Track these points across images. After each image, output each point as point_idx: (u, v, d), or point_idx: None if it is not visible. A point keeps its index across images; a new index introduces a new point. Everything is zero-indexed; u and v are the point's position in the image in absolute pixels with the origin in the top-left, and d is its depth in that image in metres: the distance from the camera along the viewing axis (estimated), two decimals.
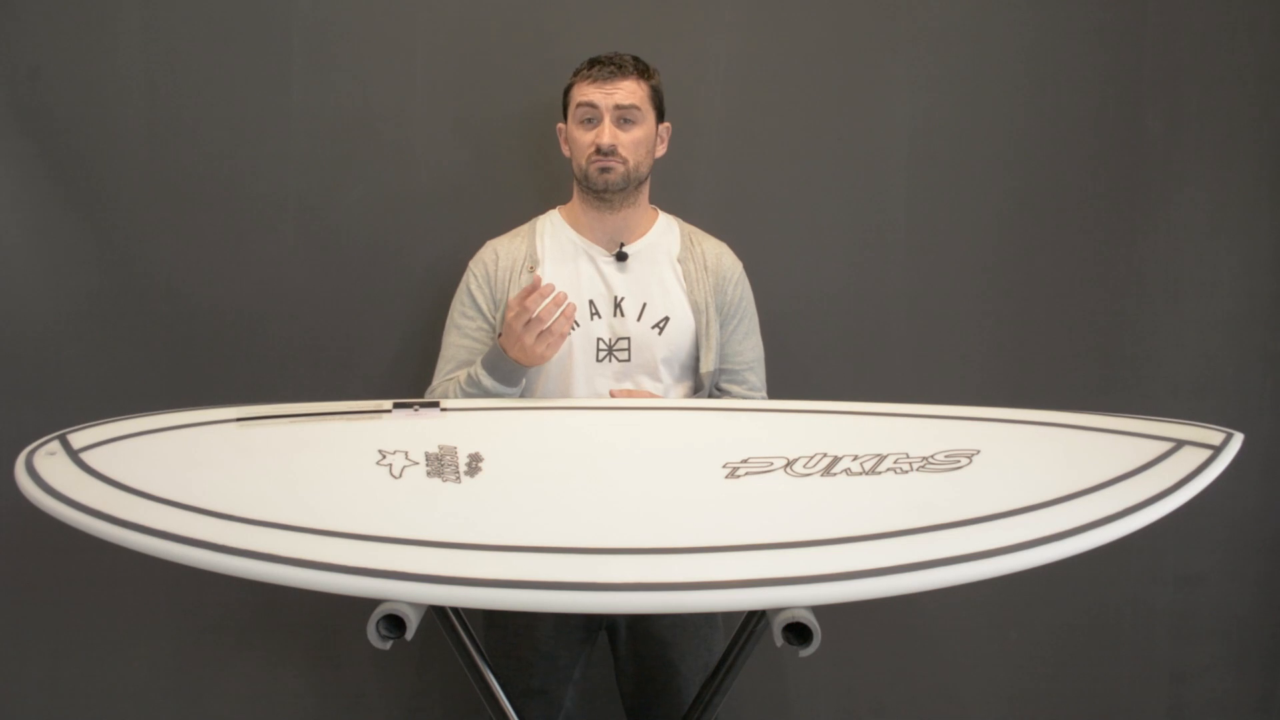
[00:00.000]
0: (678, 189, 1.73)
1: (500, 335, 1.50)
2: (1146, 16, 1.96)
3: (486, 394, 1.51)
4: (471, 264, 1.66)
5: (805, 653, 1.22)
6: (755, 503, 1.26)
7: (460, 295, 1.66)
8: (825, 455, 1.31)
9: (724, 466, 1.31)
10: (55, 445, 1.36)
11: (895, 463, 1.29)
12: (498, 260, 1.64)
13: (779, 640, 1.22)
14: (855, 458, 1.30)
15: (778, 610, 1.25)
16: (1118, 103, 1.97)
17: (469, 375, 1.53)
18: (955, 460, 1.30)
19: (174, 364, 1.91)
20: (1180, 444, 1.35)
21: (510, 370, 1.49)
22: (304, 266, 1.90)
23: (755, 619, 1.37)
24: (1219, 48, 1.97)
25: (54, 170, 1.85)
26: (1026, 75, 1.96)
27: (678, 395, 1.64)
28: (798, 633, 1.23)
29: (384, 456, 1.32)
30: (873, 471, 1.29)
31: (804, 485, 1.28)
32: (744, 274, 1.70)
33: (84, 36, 1.84)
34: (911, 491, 1.25)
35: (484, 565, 1.16)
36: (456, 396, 1.54)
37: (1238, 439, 1.31)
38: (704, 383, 1.64)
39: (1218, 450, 1.33)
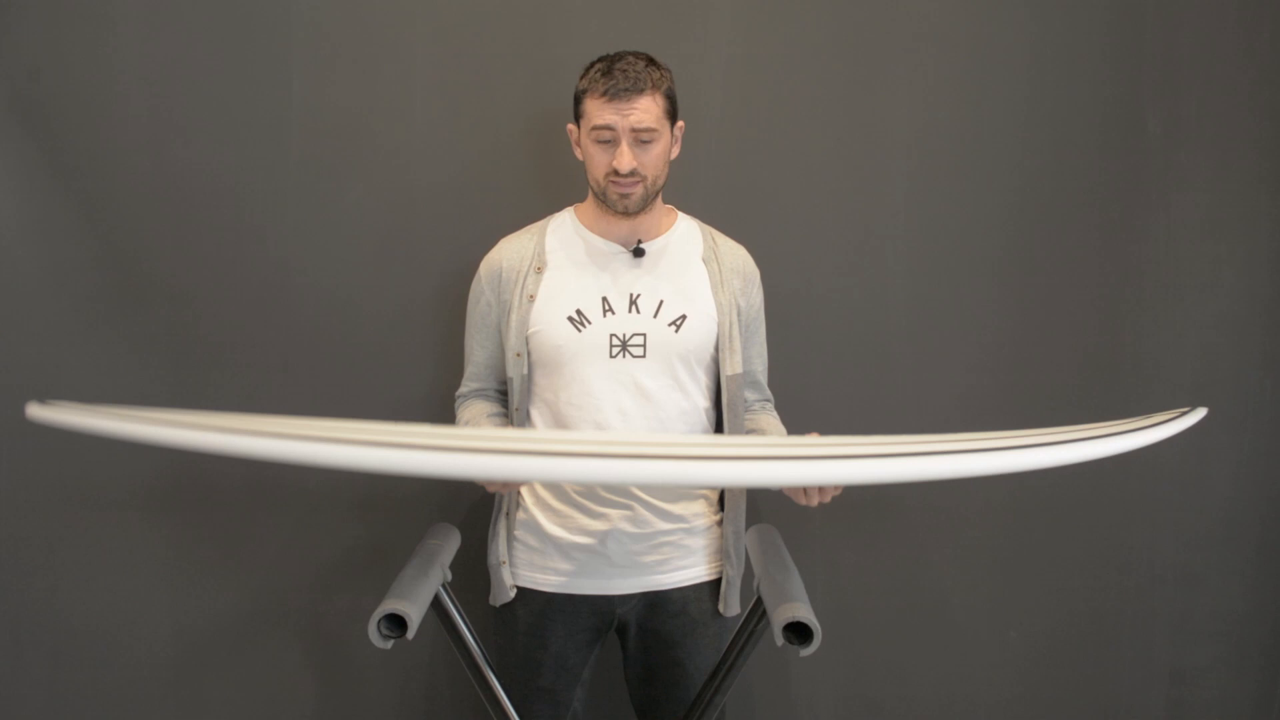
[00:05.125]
0: (678, 188, 1.73)
1: None
2: (1146, 16, 1.96)
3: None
4: (481, 266, 1.67)
5: (806, 652, 1.23)
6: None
7: (472, 298, 1.68)
8: None
9: None
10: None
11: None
12: (502, 264, 1.64)
13: (780, 640, 1.23)
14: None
15: (778, 611, 1.25)
16: (1118, 103, 1.97)
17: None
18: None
19: (175, 364, 1.91)
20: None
21: None
22: (305, 267, 1.90)
23: (756, 619, 1.37)
24: (1219, 48, 1.97)
25: (54, 170, 1.85)
26: (1027, 75, 1.96)
27: (699, 397, 1.63)
28: (798, 632, 1.23)
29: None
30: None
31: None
32: (759, 280, 1.72)
33: (84, 36, 1.83)
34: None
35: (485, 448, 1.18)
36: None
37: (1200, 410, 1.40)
38: (729, 388, 1.63)
39: (1184, 414, 1.37)
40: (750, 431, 1.67)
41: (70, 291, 1.88)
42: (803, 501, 1.45)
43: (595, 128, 1.52)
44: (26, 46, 1.83)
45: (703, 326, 1.60)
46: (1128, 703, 2.10)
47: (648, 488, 1.59)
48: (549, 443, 1.28)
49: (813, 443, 1.35)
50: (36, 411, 1.31)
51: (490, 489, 1.53)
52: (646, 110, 1.51)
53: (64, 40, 1.83)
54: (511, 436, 1.36)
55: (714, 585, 1.68)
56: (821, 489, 1.43)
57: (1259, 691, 2.12)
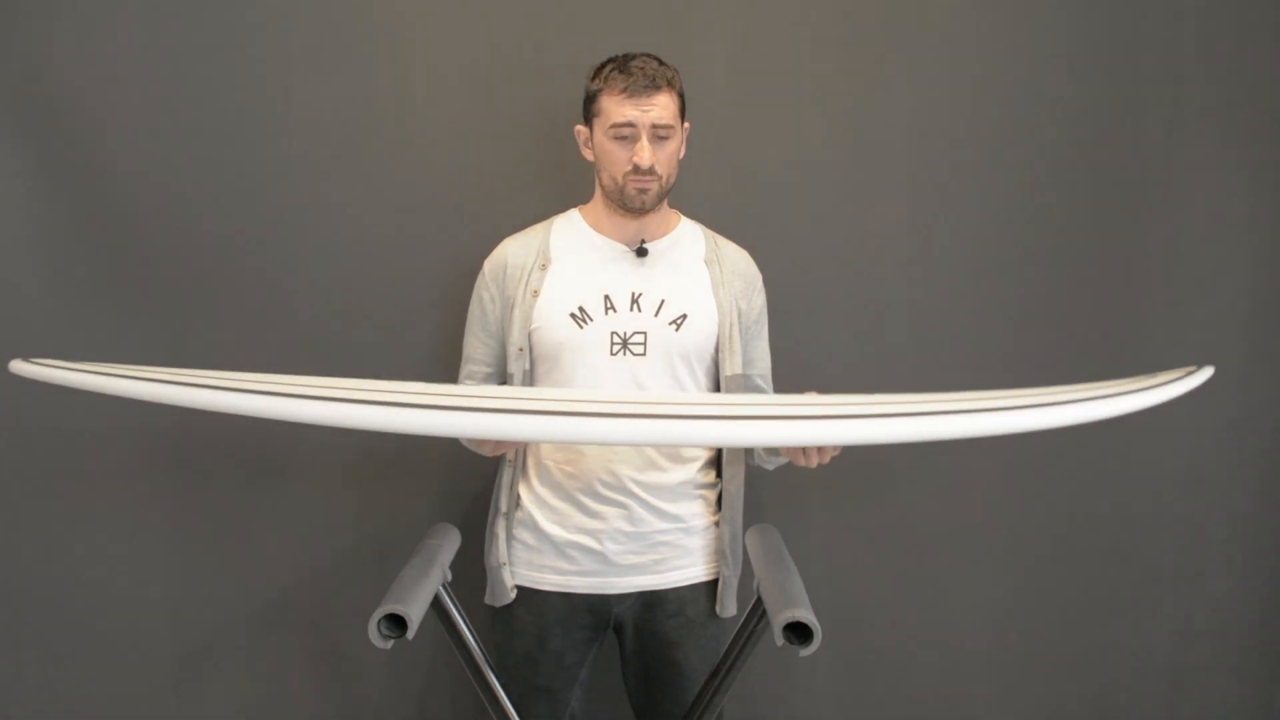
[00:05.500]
0: (679, 189, 1.73)
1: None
2: (1146, 16, 1.96)
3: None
4: (485, 263, 1.68)
5: (806, 652, 1.23)
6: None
7: (475, 295, 1.68)
8: None
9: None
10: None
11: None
12: (507, 261, 1.65)
13: (780, 640, 1.23)
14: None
15: (778, 611, 1.25)
16: (1118, 103, 1.97)
17: None
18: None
19: (174, 365, 1.90)
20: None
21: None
22: (305, 268, 1.90)
23: (756, 619, 1.37)
24: (1219, 48, 1.97)
25: (54, 170, 1.85)
26: (1028, 75, 1.96)
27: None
28: (798, 632, 1.23)
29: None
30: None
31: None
32: (761, 282, 1.72)
33: (84, 36, 1.83)
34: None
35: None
36: None
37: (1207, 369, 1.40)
38: (729, 388, 1.64)
39: (1190, 373, 1.37)
40: None
41: (70, 291, 1.88)
42: (801, 462, 1.47)
43: (615, 124, 1.53)
44: (26, 46, 1.82)
45: (703, 326, 1.61)
46: (1128, 703, 2.10)
47: (646, 486, 1.60)
48: (548, 401, 1.29)
49: (811, 401, 1.36)
50: (20, 368, 1.31)
51: (483, 450, 1.55)
52: (665, 107, 1.53)
53: (64, 40, 1.83)
54: (509, 395, 1.35)
55: (711, 586, 1.68)
56: (821, 449, 1.45)
57: (1259, 691, 2.12)
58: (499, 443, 1.52)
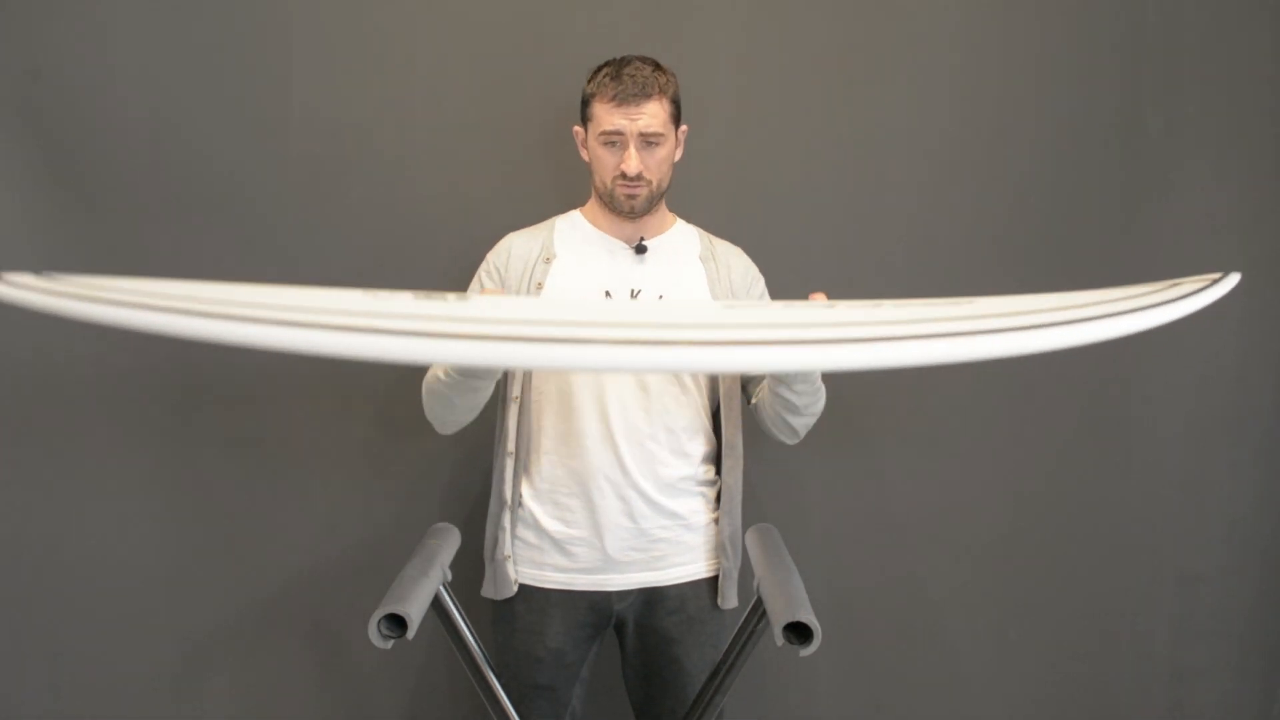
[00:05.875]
0: (680, 190, 1.73)
1: None
2: (1146, 16, 1.96)
3: (469, 377, 1.48)
4: (489, 255, 1.69)
5: (806, 652, 1.23)
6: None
7: (476, 280, 1.68)
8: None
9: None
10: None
11: None
12: (510, 254, 1.66)
13: (779, 640, 1.23)
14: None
15: (778, 611, 1.25)
16: (1118, 103, 1.97)
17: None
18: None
19: (174, 365, 1.91)
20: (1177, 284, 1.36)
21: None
22: (305, 269, 1.90)
23: (756, 619, 1.37)
24: (1219, 48, 1.97)
25: (54, 170, 1.85)
26: (1028, 76, 1.96)
27: (696, 393, 1.66)
28: (798, 632, 1.23)
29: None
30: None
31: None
32: (758, 271, 1.74)
33: (84, 36, 1.83)
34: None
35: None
36: (435, 383, 1.54)
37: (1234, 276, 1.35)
38: (725, 381, 1.66)
39: (1216, 282, 1.35)
40: (756, 405, 1.68)
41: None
42: None
43: (604, 131, 1.56)
44: (26, 46, 1.82)
45: None
46: (1128, 703, 2.10)
47: (647, 482, 1.61)
48: (537, 325, 1.22)
49: (822, 316, 1.28)
50: None
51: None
52: (654, 115, 1.55)
53: (64, 40, 1.83)
54: (503, 317, 1.30)
55: (712, 583, 1.69)
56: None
57: (1259, 691, 2.12)
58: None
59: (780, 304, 1.62)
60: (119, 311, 1.19)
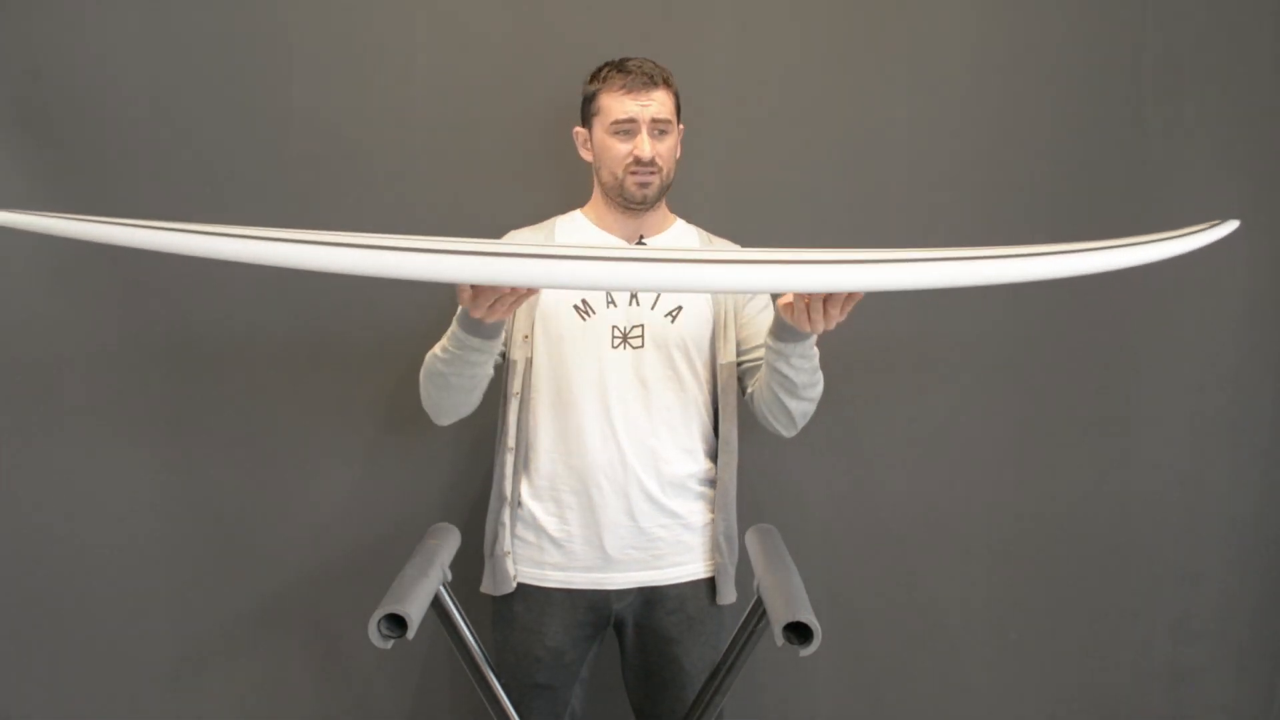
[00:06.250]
0: (679, 190, 1.73)
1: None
2: (1146, 16, 1.96)
3: (465, 349, 1.48)
4: None
5: (806, 652, 1.23)
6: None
7: None
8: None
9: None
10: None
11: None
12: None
13: (779, 640, 1.23)
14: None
15: (778, 611, 1.25)
16: (1118, 103, 1.97)
17: (450, 332, 1.50)
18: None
19: (174, 366, 1.91)
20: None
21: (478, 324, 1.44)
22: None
23: (756, 619, 1.37)
24: (1219, 48, 1.97)
25: (54, 170, 1.85)
26: (1028, 76, 1.96)
27: (696, 390, 1.66)
28: (798, 632, 1.23)
29: None
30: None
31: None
32: None
33: (84, 36, 1.83)
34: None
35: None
36: (434, 362, 1.55)
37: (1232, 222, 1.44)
38: (723, 375, 1.66)
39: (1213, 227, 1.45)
40: (752, 395, 1.67)
41: (70, 293, 1.88)
42: (806, 328, 1.41)
43: (616, 120, 1.57)
44: (26, 46, 1.82)
45: (698, 317, 1.65)
46: (1128, 703, 2.10)
47: (646, 481, 1.61)
48: (527, 247, 1.29)
49: (821, 255, 1.29)
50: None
51: (475, 306, 1.38)
52: (663, 103, 1.58)
53: (64, 40, 1.83)
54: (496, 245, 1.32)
55: (711, 583, 1.69)
56: (828, 305, 1.38)
57: (1259, 691, 2.12)
58: (492, 298, 1.37)
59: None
60: (118, 230, 1.26)
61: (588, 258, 1.26)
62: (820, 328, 1.41)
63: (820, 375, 1.58)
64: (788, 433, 1.65)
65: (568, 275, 1.26)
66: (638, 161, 1.57)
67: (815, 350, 1.53)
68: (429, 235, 1.87)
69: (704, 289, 1.39)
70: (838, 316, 1.40)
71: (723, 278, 1.29)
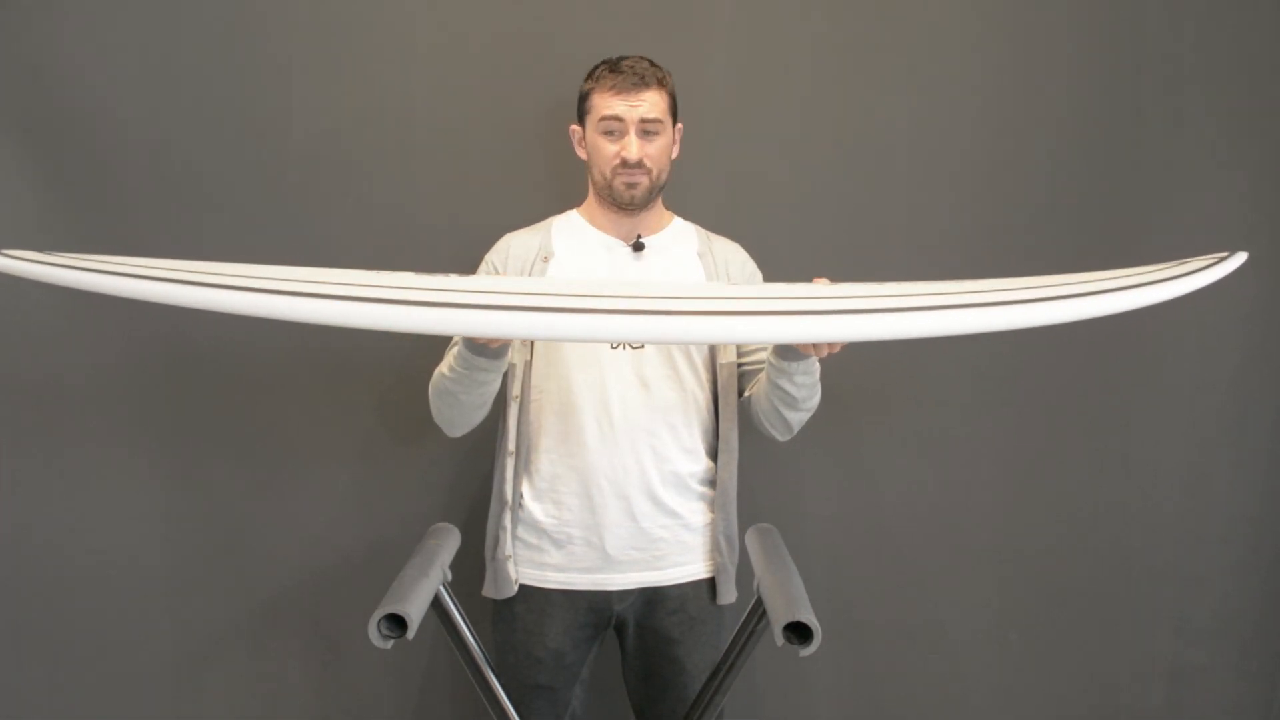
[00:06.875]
0: (679, 189, 1.74)
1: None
2: (1147, 16, 1.96)
3: (473, 369, 1.49)
4: (488, 255, 1.69)
5: (806, 652, 1.23)
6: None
7: (479, 274, 1.68)
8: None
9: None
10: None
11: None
12: (509, 253, 1.66)
13: (780, 640, 1.23)
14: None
15: (778, 611, 1.25)
16: (1118, 103, 1.97)
17: (456, 353, 1.51)
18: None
19: (174, 366, 1.91)
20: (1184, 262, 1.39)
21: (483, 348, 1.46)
22: (302, 267, 1.90)
23: (756, 619, 1.37)
24: (1219, 48, 1.97)
25: (54, 170, 1.85)
26: (1028, 75, 1.96)
27: (696, 389, 1.66)
28: (798, 632, 1.23)
29: None
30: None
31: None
32: (756, 266, 1.74)
33: (84, 36, 1.83)
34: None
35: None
36: (441, 381, 1.55)
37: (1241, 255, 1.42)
38: (722, 375, 1.66)
39: (1222, 260, 1.39)
40: (749, 399, 1.67)
41: (70, 294, 1.88)
42: (810, 352, 1.45)
43: (604, 118, 1.57)
44: (26, 46, 1.82)
45: None
46: (1128, 703, 2.10)
47: (649, 483, 1.61)
48: (542, 297, 1.25)
49: (821, 292, 1.31)
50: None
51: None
52: (653, 104, 1.57)
53: (64, 40, 1.83)
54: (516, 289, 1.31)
55: (711, 582, 1.69)
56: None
57: (1259, 691, 2.12)
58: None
59: (783, 285, 1.58)
60: (115, 281, 1.23)
61: (572, 310, 1.22)
62: (824, 353, 1.43)
63: (819, 386, 1.58)
64: (783, 438, 1.66)
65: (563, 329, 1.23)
66: (624, 163, 1.57)
67: (817, 366, 1.54)
68: (428, 235, 1.90)
69: (694, 340, 1.38)
70: (840, 346, 1.42)
71: (710, 330, 1.24)
